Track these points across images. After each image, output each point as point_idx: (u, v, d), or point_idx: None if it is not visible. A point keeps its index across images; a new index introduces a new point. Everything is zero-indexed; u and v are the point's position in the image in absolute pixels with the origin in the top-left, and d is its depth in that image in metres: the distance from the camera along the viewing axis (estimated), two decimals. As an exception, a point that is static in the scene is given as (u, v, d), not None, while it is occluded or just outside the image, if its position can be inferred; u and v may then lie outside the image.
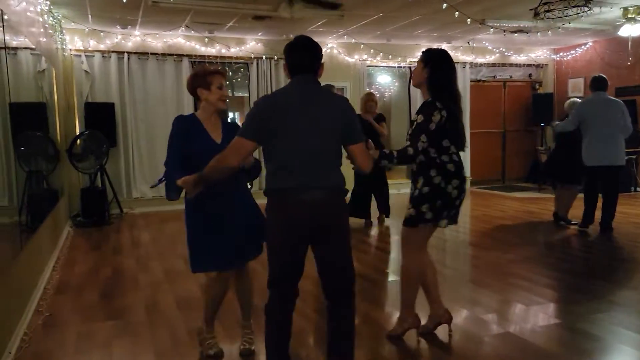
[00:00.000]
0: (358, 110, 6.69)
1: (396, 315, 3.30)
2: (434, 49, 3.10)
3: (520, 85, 10.92)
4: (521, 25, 7.86)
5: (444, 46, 9.04)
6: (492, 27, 7.87)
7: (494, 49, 10.24)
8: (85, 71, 7.87)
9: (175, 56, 8.37)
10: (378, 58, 9.56)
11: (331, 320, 2.49)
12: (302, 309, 3.35)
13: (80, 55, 7.85)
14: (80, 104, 7.82)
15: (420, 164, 2.96)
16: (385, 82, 11.21)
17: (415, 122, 2.93)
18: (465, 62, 9.99)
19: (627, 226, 6.28)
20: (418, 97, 9.27)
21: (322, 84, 2.54)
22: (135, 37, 8.13)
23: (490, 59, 10.35)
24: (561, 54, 10.53)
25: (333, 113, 2.38)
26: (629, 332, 3.21)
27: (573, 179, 6.27)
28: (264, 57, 8.78)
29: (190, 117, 2.86)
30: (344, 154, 2.50)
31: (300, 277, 2.45)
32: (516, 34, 8.55)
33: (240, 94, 11.73)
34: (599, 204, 5.97)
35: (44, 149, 5.40)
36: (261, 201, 2.55)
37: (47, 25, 5.76)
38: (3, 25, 3.48)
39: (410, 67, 9.69)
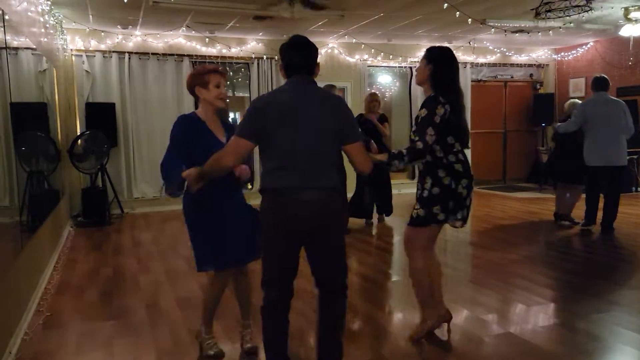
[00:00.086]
0: (361, 110, 6.70)
1: (397, 315, 3.30)
2: (438, 46, 3.06)
3: (521, 85, 10.90)
4: (522, 25, 7.85)
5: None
6: (493, 27, 7.87)
7: (495, 49, 10.23)
8: (86, 71, 7.88)
9: (176, 56, 8.37)
10: (379, 58, 9.55)
11: (322, 309, 2.48)
12: (301, 308, 3.35)
13: (81, 55, 7.86)
14: (81, 104, 7.83)
15: (426, 163, 2.96)
16: (386, 82, 11.18)
17: (419, 117, 2.91)
18: (466, 62, 9.97)
19: (628, 226, 6.27)
20: (419, 98, 9.28)
21: (323, 84, 2.54)
22: (136, 37, 8.14)
23: (491, 59, 10.33)
24: (562, 54, 10.51)
25: (329, 113, 2.37)
26: (629, 332, 3.20)
27: (573, 179, 6.27)
28: (264, 57, 8.79)
29: (193, 117, 2.83)
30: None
31: (295, 277, 2.44)
32: (517, 34, 8.54)
33: (241, 94, 11.74)
34: (600, 204, 5.97)
35: (44, 149, 5.40)
36: (254, 201, 2.55)
37: (48, 25, 5.76)
38: (4, 25, 3.48)
39: (411, 67, 9.68)
